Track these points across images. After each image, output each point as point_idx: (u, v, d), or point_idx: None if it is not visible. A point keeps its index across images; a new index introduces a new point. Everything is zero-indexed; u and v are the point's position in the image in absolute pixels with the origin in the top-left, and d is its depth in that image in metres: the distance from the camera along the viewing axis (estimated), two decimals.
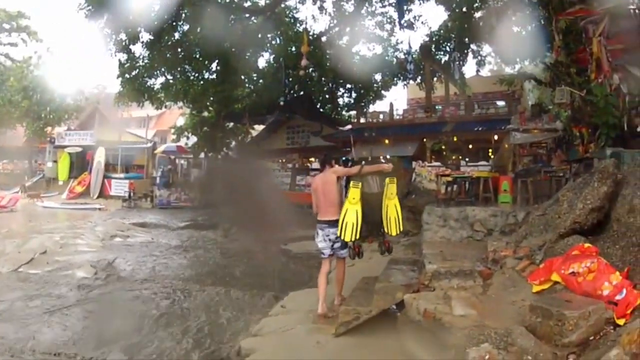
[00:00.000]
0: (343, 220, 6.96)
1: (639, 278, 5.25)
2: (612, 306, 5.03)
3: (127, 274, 11.24)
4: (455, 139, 24.85)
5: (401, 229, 7.57)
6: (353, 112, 32.60)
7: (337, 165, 7.96)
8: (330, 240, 7.31)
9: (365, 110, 31.64)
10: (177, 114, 37.32)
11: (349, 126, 28.83)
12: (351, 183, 7.06)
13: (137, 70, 25.26)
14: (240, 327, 7.68)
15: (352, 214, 6.94)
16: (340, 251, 7.42)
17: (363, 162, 7.68)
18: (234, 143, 32.71)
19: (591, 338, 4.77)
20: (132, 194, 28.03)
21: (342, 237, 7.06)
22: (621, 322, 4.78)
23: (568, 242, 6.82)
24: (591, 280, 5.55)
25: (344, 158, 28.01)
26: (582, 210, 6.94)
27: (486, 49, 27.86)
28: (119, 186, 30.12)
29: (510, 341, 5.08)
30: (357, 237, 7.07)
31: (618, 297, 5.08)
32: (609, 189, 6.85)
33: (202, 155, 32.32)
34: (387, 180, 7.30)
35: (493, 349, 4.96)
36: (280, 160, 34.42)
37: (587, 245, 6.40)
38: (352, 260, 7.91)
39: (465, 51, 27.56)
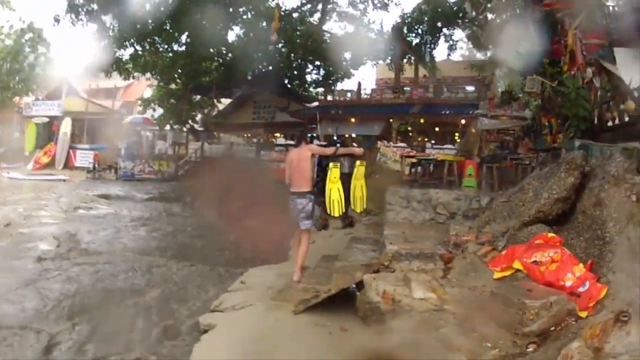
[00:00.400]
0: (330, 199, 7.50)
1: (602, 271, 5.22)
2: (574, 298, 5.01)
3: (89, 246, 10.90)
4: (422, 121, 24.93)
5: (365, 207, 8.37)
6: (320, 89, 32.40)
7: (312, 144, 8.40)
8: (297, 210, 7.51)
9: (332, 88, 31.49)
10: (144, 86, 36.61)
11: (316, 103, 28.74)
12: (331, 164, 7.57)
13: (107, 40, 24.79)
14: (199, 301, 7.52)
15: (335, 192, 7.52)
16: (305, 221, 7.54)
17: (338, 145, 8.09)
18: (199, 116, 32.30)
19: (552, 328, 4.74)
20: (96, 166, 27.42)
21: (331, 214, 7.69)
22: (583, 314, 4.76)
23: (532, 231, 6.81)
24: (554, 271, 5.53)
25: (309, 135, 28.09)
26: (547, 200, 6.92)
27: (458, 34, 27.85)
28: (84, 157, 29.26)
29: (469, 327, 5.03)
30: (344, 211, 7.74)
31: (581, 289, 5.06)
32: (575, 180, 6.83)
33: (167, 127, 31.88)
34: (358, 162, 8.04)
35: (452, 335, 4.90)
36: (245, 135, 34.17)
37: (551, 234, 6.38)
38: (314, 236, 8.71)
39: (437, 35, 27.53)
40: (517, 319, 4.90)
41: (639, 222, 5.51)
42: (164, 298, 7.66)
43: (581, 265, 5.42)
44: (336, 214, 7.65)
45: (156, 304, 7.38)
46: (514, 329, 4.84)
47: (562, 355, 3.98)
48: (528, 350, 4.51)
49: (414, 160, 13.97)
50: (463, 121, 22.70)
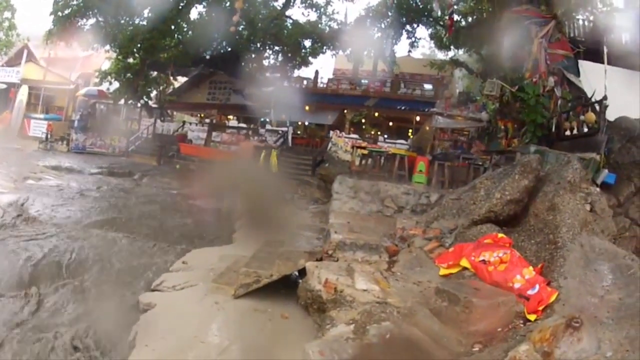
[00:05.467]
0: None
1: (553, 276, 5.12)
2: (523, 300, 4.88)
3: (36, 217, 10.39)
4: (376, 114, 24.90)
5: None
6: (277, 75, 32.05)
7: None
8: None
9: (289, 74, 31.19)
10: (103, 58, 35.54)
11: (272, 88, 28.42)
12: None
13: (71, 9, 23.87)
14: (140, 279, 7.30)
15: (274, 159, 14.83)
16: None
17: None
18: (154, 92, 31.50)
19: (499, 329, 4.58)
20: (49, 136, 26.45)
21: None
22: (532, 317, 4.64)
23: (481, 230, 6.70)
24: (502, 271, 5.40)
25: (261, 119, 27.82)
26: (499, 200, 6.82)
27: (421, 31, 27.91)
28: (38, 127, 28.26)
29: (413, 322, 4.83)
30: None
31: (530, 292, 4.94)
32: (530, 183, 6.77)
33: (122, 102, 31.07)
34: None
35: (395, 329, 4.69)
36: (198, 115, 33.70)
37: (500, 235, 6.28)
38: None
39: (400, 31, 27.45)
40: (462, 317, 4.72)
41: (593, 231, 5.42)
42: (105, 273, 7.45)
43: (531, 268, 5.31)
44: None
45: (98, 280, 7.17)
46: (460, 327, 4.67)
47: (509, 357, 3.82)
48: (473, 349, 4.35)
49: (365, 151, 13.85)
50: (418, 118, 22.91)
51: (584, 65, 11.13)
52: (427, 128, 17.06)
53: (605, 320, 4.26)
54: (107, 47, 27.03)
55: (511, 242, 6.06)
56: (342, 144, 19.72)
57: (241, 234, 10.13)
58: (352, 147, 15.64)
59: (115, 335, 5.48)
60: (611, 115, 9.33)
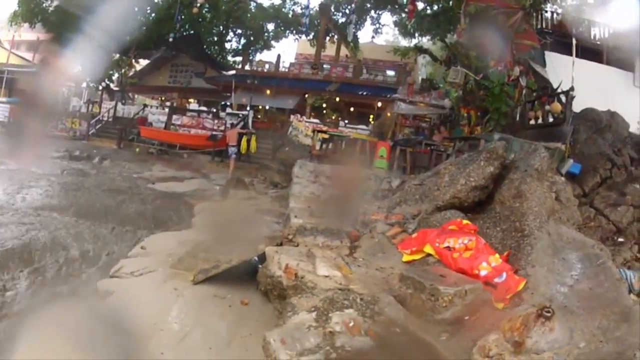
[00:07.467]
0: (242, 146, 17.97)
1: (520, 264, 5.04)
2: (490, 288, 4.76)
3: None
4: (338, 99, 24.83)
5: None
6: (239, 58, 31.76)
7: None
8: (232, 151, 17.32)
9: (251, 58, 30.99)
10: None
11: (233, 72, 28.16)
12: (244, 136, 18.70)
13: None
14: (98, 265, 6.98)
15: (244, 144, 18.04)
16: (233, 155, 17.53)
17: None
18: (116, 75, 30.83)
19: (466, 318, 4.44)
20: (11, 120, 25.50)
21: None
22: (500, 306, 4.53)
23: (445, 216, 6.60)
24: (468, 258, 5.28)
25: (222, 103, 27.53)
26: (464, 186, 6.74)
27: (386, 18, 27.99)
28: (0, 111, 27.30)
29: (377, 310, 4.65)
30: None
31: (497, 280, 4.83)
32: (495, 170, 6.70)
33: (84, 84, 30.34)
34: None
35: (359, 316, 4.51)
36: (159, 98, 33.19)
37: (465, 221, 6.19)
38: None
39: (364, 17, 27.52)
40: (428, 305, 4.58)
41: (559, 219, 5.34)
42: (62, 259, 7.00)
43: (497, 255, 5.22)
44: (243, 152, 17.33)
45: (54, 266, 6.76)
46: (425, 315, 4.53)
47: (478, 346, 3.70)
48: (441, 338, 4.20)
49: (325, 135, 13.67)
50: (379, 103, 22.94)
51: (551, 56, 11.21)
52: (389, 114, 16.99)
53: (576, 310, 4.18)
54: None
55: (476, 228, 5.97)
56: (302, 128, 19.59)
57: (201, 218, 9.84)
58: (313, 131, 15.48)
59: None
60: (577, 106, 9.40)
